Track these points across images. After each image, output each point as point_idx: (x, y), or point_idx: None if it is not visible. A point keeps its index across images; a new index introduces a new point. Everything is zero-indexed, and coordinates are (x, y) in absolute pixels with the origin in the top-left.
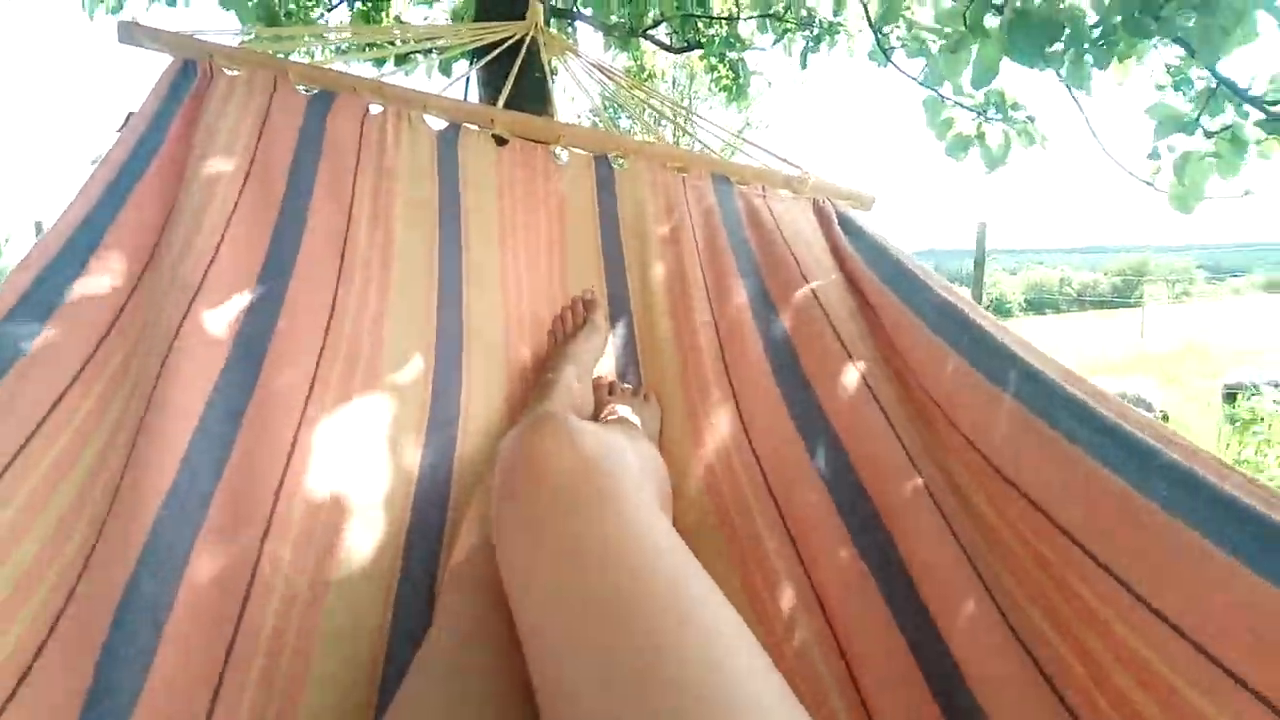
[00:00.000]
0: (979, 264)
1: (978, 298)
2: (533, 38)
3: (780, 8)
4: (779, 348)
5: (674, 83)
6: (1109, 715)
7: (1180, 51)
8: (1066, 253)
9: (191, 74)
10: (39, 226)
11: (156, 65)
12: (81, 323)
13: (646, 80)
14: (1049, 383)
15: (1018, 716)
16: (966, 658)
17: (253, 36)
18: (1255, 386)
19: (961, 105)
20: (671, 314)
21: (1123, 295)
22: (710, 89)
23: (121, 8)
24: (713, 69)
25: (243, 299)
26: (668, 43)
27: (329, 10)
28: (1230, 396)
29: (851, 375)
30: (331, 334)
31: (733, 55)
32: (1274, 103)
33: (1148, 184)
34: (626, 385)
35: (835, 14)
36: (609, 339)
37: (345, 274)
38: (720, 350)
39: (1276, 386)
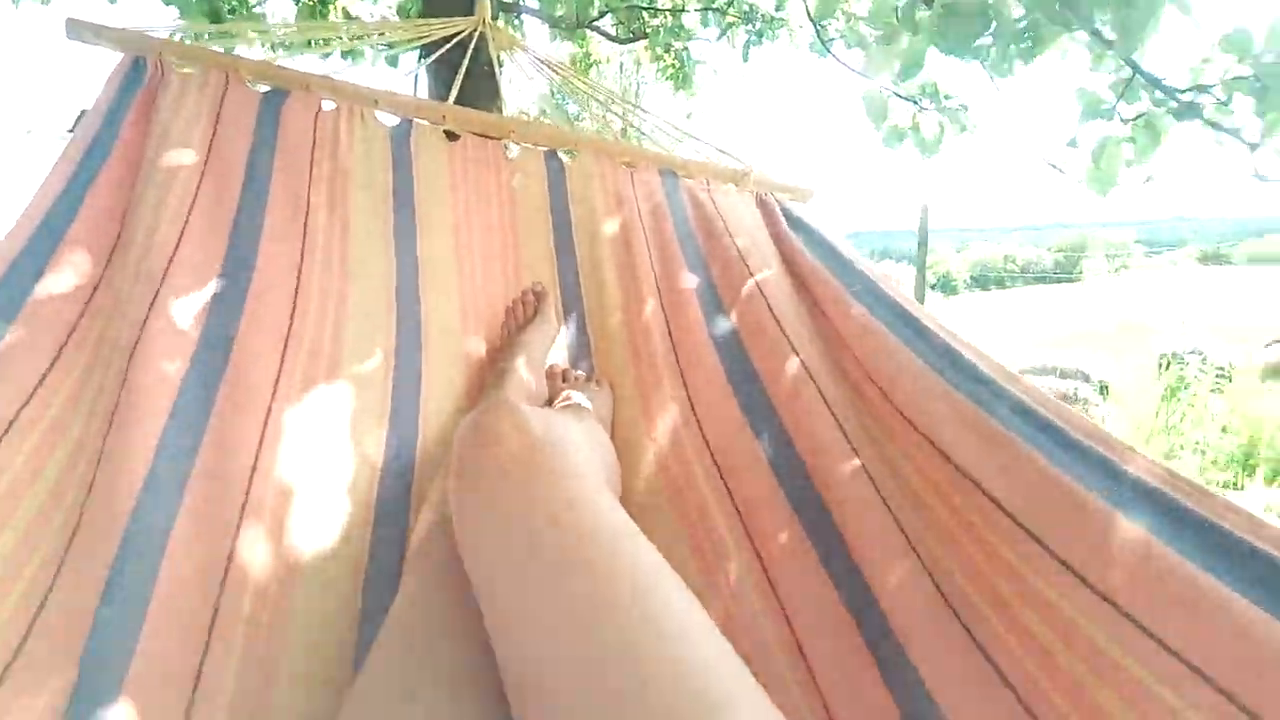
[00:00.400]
0: (922, 244)
1: (921, 277)
2: (481, 33)
3: (723, 1)
4: (725, 337)
5: (621, 68)
6: (1016, 649)
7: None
8: (1009, 231)
9: (142, 70)
10: None
11: (100, 56)
12: (48, 321)
13: (593, 67)
14: (972, 367)
15: (942, 664)
16: (893, 608)
17: (204, 35)
18: (1182, 356)
19: (898, 95)
20: (622, 304)
21: (1064, 270)
22: (657, 77)
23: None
24: (658, 59)
25: (206, 291)
26: (613, 33)
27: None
28: (1163, 364)
29: (793, 362)
30: (295, 325)
31: (678, 45)
32: (1185, 91)
33: (1059, 170)
34: (579, 373)
35: (777, 8)
36: (561, 328)
37: (305, 267)
38: (670, 339)
39: (1200, 355)
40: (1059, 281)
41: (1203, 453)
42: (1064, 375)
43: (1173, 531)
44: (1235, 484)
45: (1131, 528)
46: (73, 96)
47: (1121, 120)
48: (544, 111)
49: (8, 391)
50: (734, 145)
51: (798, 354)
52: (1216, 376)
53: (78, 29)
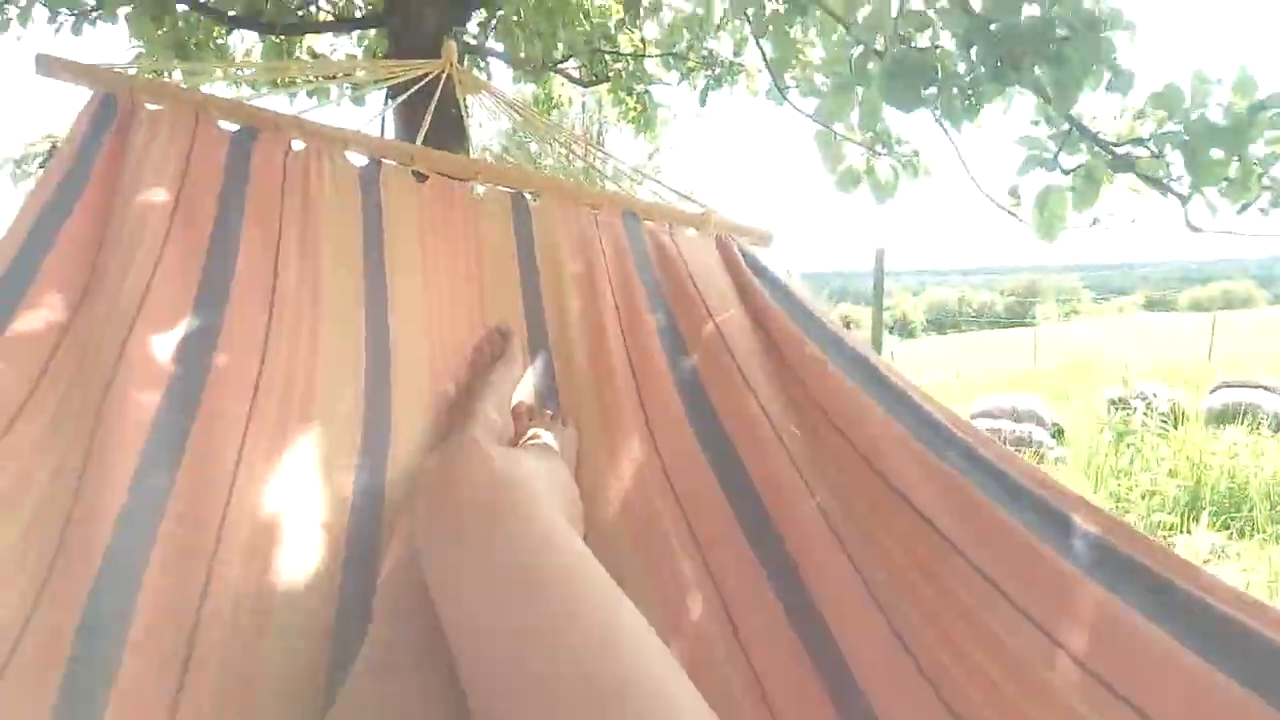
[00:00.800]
0: (878, 288)
1: (878, 320)
2: (448, 75)
3: (683, 47)
4: (687, 379)
5: (584, 107)
6: (965, 685)
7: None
8: (965, 273)
9: (112, 107)
10: None
11: (70, 91)
12: (21, 359)
13: (556, 108)
14: (932, 418)
15: (900, 708)
16: (852, 650)
17: (173, 74)
18: (1129, 401)
19: (850, 141)
20: (587, 344)
21: (1016, 315)
22: (618, 119)
23: (7, 27)
24: (620, 101)
25: (179, 329)
26: (577, 76)
27: (226, 35)
28: (1113, 408)
29: (752, 404)
30: (267, 364)
31: (639, 89)
32: (1121, 144)
33: (1011, 214)
34: (547, 411)
35: (735, 54)
36: (528, 368)
37: (277, 306)
38: (634, 379)
39: (1144, 400)
40: (1011, 325)
41: (1151, 495)
42: (1018, 418)
43: (1122, 585)
44: (1182, 528)
45: (1084, 580)
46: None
47: (1063, 171)
48: (506, 150)
49: None
50: (694, 185)
51: (755, 394)
52: (1162, 421)
53: (48, 65)
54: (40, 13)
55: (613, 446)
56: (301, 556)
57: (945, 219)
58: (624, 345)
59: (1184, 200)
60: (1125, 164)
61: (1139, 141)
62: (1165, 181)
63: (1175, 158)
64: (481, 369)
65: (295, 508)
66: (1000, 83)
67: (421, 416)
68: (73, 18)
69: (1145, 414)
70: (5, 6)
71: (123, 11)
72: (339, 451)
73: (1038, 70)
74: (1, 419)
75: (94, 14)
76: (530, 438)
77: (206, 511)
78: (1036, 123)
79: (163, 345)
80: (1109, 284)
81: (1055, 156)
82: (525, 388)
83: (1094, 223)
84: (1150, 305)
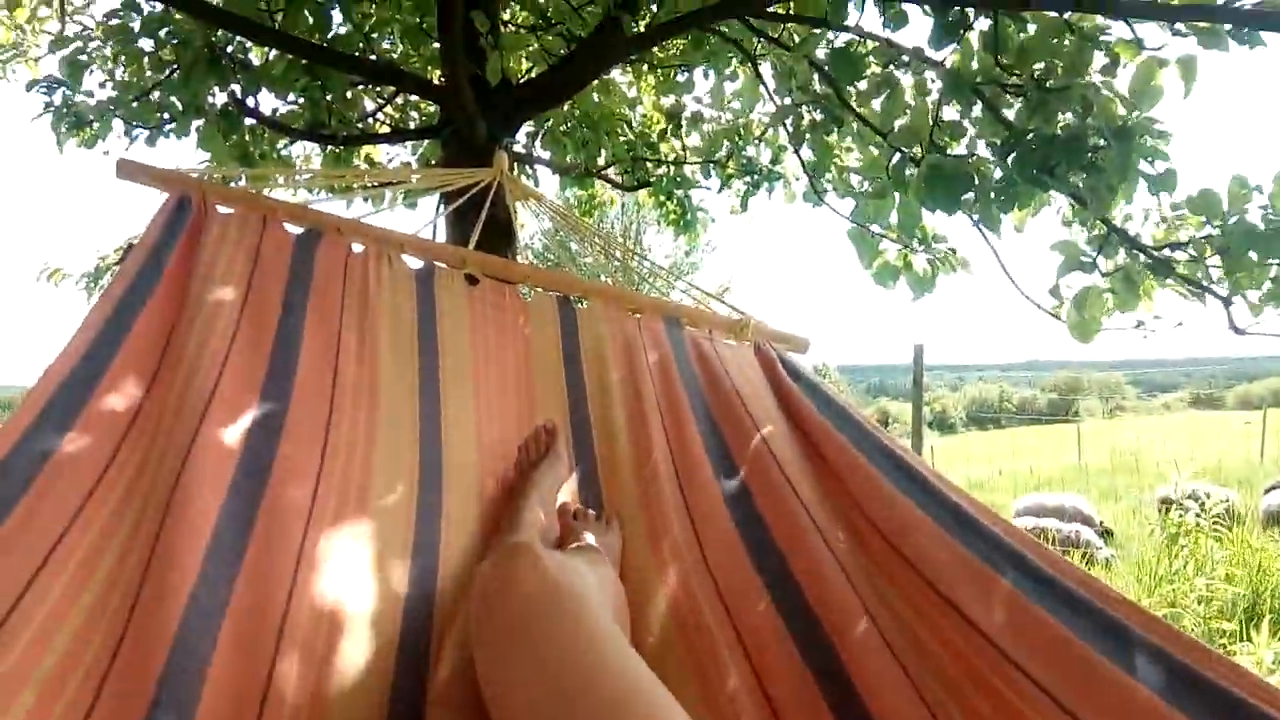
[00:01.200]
0: (917, 384)
1: (918, 418)
2: (499, 183)
3: (722, 155)
4: (734, 488)
5: (624, 207)
6: None
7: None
8: (1004, 369)
9: (186, 209)
10: None
11: (138, 198)
12: (93, 445)
13: (597, 207)
14: (979, 525)
15: None
16: None
17: (243, 180)
18: (1180, 502)
19: (887, 237)
20: (632, 448)
21: (1059, 410)
22: (658, 222)
23: (95, 143)
24: (661, 204)
25: (244, 424)
26: (619, 180)
27: (289, 145)
28: (1164, 509)
29: (801, 514)
30: (326, 459)
31: (679, 193)
32: (1160, 248)
33: (1054, 316)
34: (590, 511)
35: (773, 162)
36: (573, 467)
37: (337, 403)
38: (679, 487)
39: (1197, 500)
40: (1054, 421)
41: (1208, 601)
42: (1065, 517)
43: (1183, 695)
44: (1242, 635)
45: (1142, 690)
46: (112, 242)
47: (1101, 273)
48: (547, 247)
49: (53, 512)
50: (731, 275)
51: (804, 505)
52: (1216, 523)
53: (128, 169)
54: (118, 125)
55: (658, 551)
56: (357, 655)
57: (983, 313)
58: (669, 454)
59: (1226, 303)
60: (1164, 267)
61: (1177, 245)
62: (1205, 284)
63: (1215, 261)
64: (528, 468)
65: (352, 604)
66: (1036, 189)
67: (470, 514)
68: (147, 131)
69: (1199, 515)
70: (89, 123)
71: (194, 125)
72: (392, 548)
73: (1073, 177)
74: (73, 503)
75: (167, 128)
76: (576, 539)
77: (270, 605)
78: (1070, 224)
79: (230, 437)
80: (1154, 380)
81: (1094, 260)
82: (569, 488)
83: (1138, 325)
84: (1197, 402)
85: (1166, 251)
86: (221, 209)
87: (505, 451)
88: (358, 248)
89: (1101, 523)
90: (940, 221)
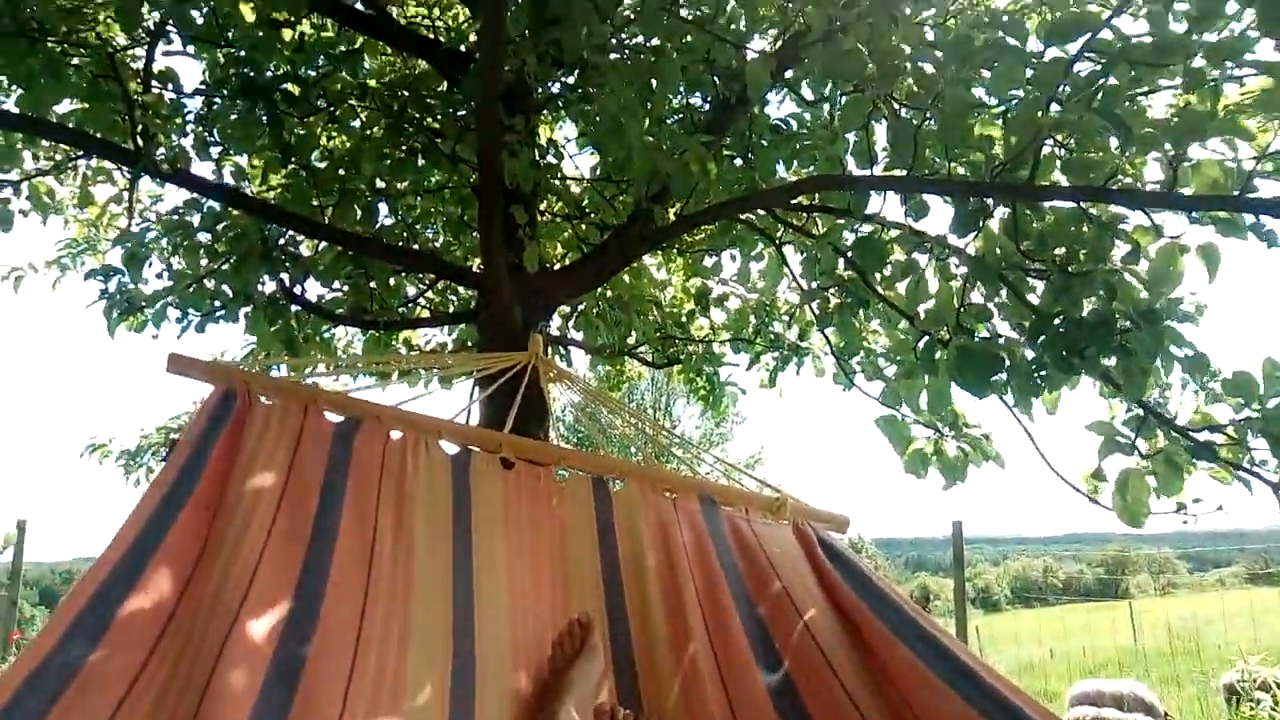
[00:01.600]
0: (958, 559)
1: (961, 594)
2: (534, 366)
3: (750, 333)
4: (778, 680)
5: (653, 380)
6: None
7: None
8: (1047, 542)
9: (231, 401)
10: (22, 526)
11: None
12: (131, 641)
13: (627, 381)
14: (1021, 712)
15: None
16: None
17: (281, 366)
18: (1248, 690)
19: (918, 422)
20: (670, 640)
21: (1107, 587)
22: (688, 398)
23: (144, 327)
24: (690, 381)
25: (278, 622)
26: (649, 359)
27: (334, 326)
28: (1232, 699)
29: (846, 705)
30: (360, 654)
31: (708, 369)
32: (1199, 430)
33: (1093, 500)
34: (627, 711)
35: (800, 338)
36: (608, 660)
37: (371, 594)
38: (721, 679)
39: (1267, 689)
40: (1103, 598)
41: None
42: (1124, 706)
43: None
44: None
45: None
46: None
47: (1141, 455)
48: (577, 420)
49: (91, 708)
50: (762, 446)
51: (850, 696)
52: None
53: (179, 364)
54: (170, 313)
55: None
56: None
57: (1022, 484)
58: (710, 644)
59: (1275, 488)
60: (1207, 451)
61: (1217, 428)
62: (1251, 469)
63: (1259, 443)
64: (563, 666)
65: None
66: (1066, 372)
67: (503, 712)
68: (199, 317)
69: (1273, 709)
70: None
71: (243, 311)
72: None
73: (1104, 359)
74: (113, 696)
75: (218, 314)
76: None
77: None
78: (1109, 398)
79: (262, 637)
80: (1206, 555)
81: (1133, 441)
82: (606, 684)
83: (1179, 509)
84: (1254, 579)
85: (1206, 434)
86: (264, 399)
87: (539, 645)
88: (395, 434)
89: (1166, 714)
90: (970, 404)
